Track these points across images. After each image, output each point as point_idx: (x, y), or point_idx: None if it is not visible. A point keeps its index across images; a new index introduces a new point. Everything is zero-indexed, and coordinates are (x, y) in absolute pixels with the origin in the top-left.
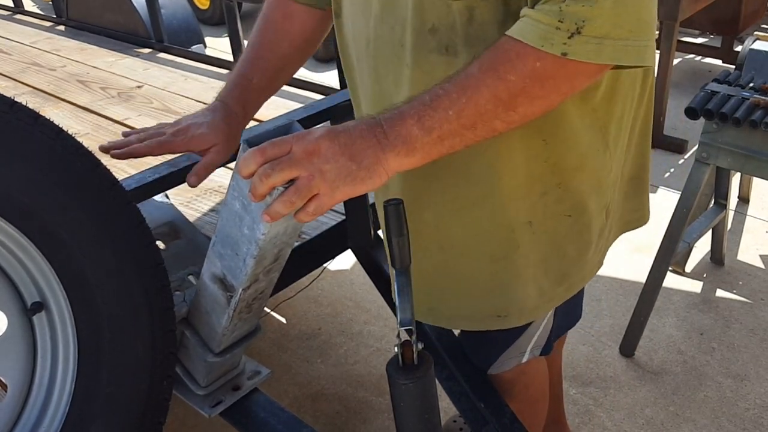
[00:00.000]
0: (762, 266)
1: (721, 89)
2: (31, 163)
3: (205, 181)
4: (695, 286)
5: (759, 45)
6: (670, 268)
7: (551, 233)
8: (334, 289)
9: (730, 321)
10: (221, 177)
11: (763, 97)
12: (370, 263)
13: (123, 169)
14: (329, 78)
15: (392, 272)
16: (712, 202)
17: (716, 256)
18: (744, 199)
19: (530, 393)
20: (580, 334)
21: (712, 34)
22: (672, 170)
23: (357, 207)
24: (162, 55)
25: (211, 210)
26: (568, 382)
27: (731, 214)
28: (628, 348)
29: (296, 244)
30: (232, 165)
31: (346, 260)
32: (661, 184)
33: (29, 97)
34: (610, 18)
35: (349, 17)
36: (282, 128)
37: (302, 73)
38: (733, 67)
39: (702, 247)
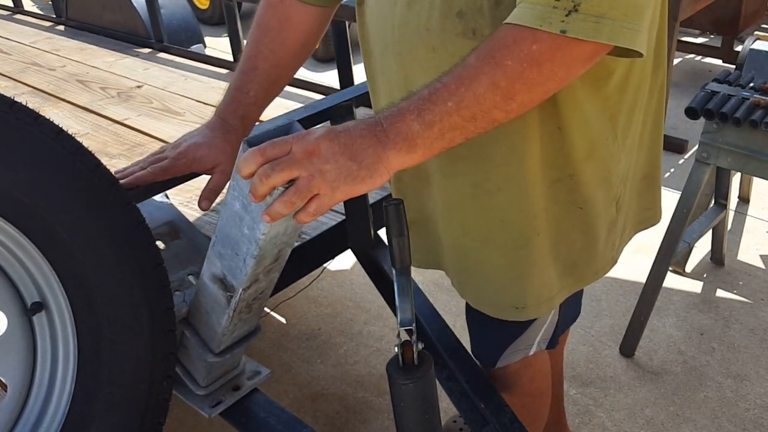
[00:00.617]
0: (762, 266)
1: (722, 89)
2: (31, 163)
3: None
4: (695, 286)
5: (759, 45)
6: (670, 268)
7: (560, 221)
8: (334, 289)
9: (731, 321)
10: None
11: (764, 97)
12: (370, 263)
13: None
14: (329, 78)
15: (393, 272)
16: (713, 202)
17: (716, 256)
18: (744, 199)
19: (535, 386)
20: (580, 334)
21: (712, 34)
22: (672, 170)
23: (357, 207)
24: (162, 55)
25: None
26: (568, 382)
27: (731, 214)
28: (628, 348)
29: (296, 244)
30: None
31: (346, 260)
32: (662, 184)
33: (29, 97)
34: None
35: (373, 5)
36: (282, 128)
37: (302, 73)
38: (734, 67)
39: (702, 247)
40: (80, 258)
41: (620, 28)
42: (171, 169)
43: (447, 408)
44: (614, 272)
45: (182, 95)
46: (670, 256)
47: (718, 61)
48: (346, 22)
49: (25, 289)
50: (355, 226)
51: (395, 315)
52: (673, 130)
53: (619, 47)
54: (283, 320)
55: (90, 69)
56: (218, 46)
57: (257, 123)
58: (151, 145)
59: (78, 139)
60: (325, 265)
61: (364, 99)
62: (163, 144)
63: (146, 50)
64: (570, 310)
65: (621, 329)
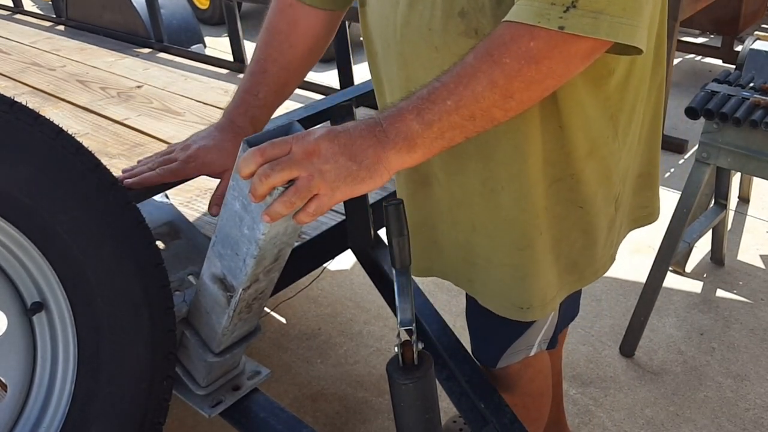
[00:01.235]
0: (762, 266)
1: (722, 89)
2: (31, 163)
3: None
4: (695, 286)
5: (759, 45)
6: (670, 268)
7: (561, 220)
8: (334, 289)
9: (730, 321)
10: None
11: (764, 97)
12: (370, 263)
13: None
14: (329, 78)
15: (393, 272)
16: (712, 202)
17: (716, 256)
18: (744, 199)
19: (535, 386)
20: (580, 334)
21: (712, 34)
22: (672, 170)
23: (357, 207)
24: (162, 55)
25: None
26: (568, 382)
27: (731, 214)
28: (628, 348)
29: (296, 244)
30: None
31: (346, 260)
32: (661, 184)
33: (29, 97)
34: None
35: (375, 5)
36: (282, 128)
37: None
38: (734, 67)
39: (702, 247)
40: (80, 258)
41: (619, 24)
42: (180, 172)
43: (447, 408)
44: (614, 272)
45: (182, 95)
46: (670, 256)
47: (718, 61)
48: (347, 23)
49: (25, 289)
50: (355, 226)
51: (395, 315)
52: (673, 130)
53: (618, 45)
54: (283, 320)
55: (90, 69)
56: (218, 46)
57: None
58: (151, 145)
59: (78, 139)
60: (325, 265)
61: (364, 99)
62: (164, 144)
63: (146, 50)
64: (569, 309)
65: (621, 329)
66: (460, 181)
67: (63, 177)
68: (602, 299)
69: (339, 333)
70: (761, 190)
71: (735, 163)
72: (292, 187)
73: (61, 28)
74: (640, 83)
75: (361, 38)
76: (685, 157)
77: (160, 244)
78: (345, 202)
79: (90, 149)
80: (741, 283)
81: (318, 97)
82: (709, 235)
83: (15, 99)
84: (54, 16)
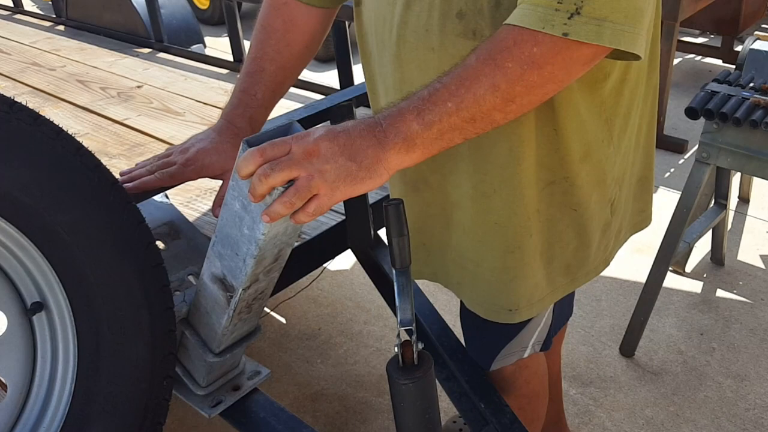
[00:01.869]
0: (762, 266)
1: (722, 89)
2: (31, 163)
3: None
4: (695, 286)
5: (759, 45)
6: (670, 268)
7: (554, 223)
8: (334, 289)
9: (730, 321)
10: None
11: (764, 97)
12: (370, 263)
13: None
14: (329, 78)
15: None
16: (712, 202)
17: (716, 256)
18: (744, 199)
19: (531, 388)
20: (580, 334)
21: (712, 34)
22: (672, 170)
23: (357, 207)
24: (162, 55)
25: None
26: (568, 382)
27: (731, 214)
28: (628, 348)
29: (296, 244)
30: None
31: (346, 260)
32: (661, 184)
33: (29, 97)
34: (609, 1)
35: (371, 5)
36: (282, 128)
37: (302, 73)
38: (734, 67)
39: (702, 247)
40: (80, 258)
41: (621, 31)
42: (179, 176)
43: (447, 408)
44: (614, 272)
45: (182, 95)
46: (670, 256)
47: (718, 61)
48: (346, 22)
49: (25, 289)
50: (355, 226)
51: (395, 315)
52: (673, 130)
53: (617, 50)
54: (283, 320)
55: (90, 69)
56: (218, 46)
57: None
58: (151, 145)
59: (78, 139)
60: (325, 265)
61: (364, 99)
62: (164, 144)
63: (146, 50)
64: (563, 310)
65: (621, 329)
66: (454, 181)
67: (63, 177)
68: (602, 299)
69: (339, 333)
70: (761, 190)
71: (735, 163)
72: (291, 187)
73: (61, 28)
74: (636, 87)
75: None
76: (685, 157)
77: (160, 244)
78: (345, 202)
79: (90, 149)
80: (741, 283)
81: (318, 97)
82: (709, 235)
83: (15, 99)
84: (54, 16)
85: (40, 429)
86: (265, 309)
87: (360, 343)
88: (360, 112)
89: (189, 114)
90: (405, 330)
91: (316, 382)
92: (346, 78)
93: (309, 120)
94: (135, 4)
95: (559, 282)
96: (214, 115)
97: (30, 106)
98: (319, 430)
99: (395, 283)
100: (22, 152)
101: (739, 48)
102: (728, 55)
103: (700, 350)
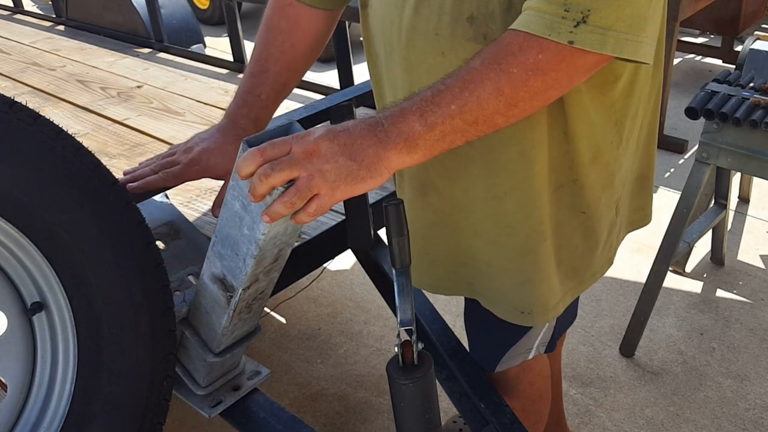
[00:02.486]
0: (762, 266)
1: (722, 89)
2: (31, 163)
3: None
4: (695, 286)
5: (759, 45)
6: (670, 268)
7: (563, 226)
8: (334, 289)
9: (730, 321)
10: None
11: (764, 97)
12: (370, 263)
13: (123, 169)
14: (329, 78)
15: (393, 272)
16: (712, 202)
17: (716, 256)
18: (744, 199)
19: (535, 390)
20: (580, 334)
21: (712, 34)
22: (672, 170)
23: (357, 207)
24: (162, 54)
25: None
26: (568, 382)
27: (731, 214)
28: (628, 348)
29: (296, 244)
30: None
31: (346, 260)
32: (661, 184)
33: (29, 97)
34: (614, 10)
35: (378, 8)
36: (282, 128)
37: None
38: (734, 67)
39: (702, 247)
40: (80, 258)
41: (624, 40)
42: (183, 176)
43: (447, 408)
44: (614, 272)
45: (182, 95)
46: (670, 256)
47: (718, 61)
48: (347, 23)
49: (25, 289)
50: (355, 226)
51: (395, 315)
52: (673, 130)
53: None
54: (283, 320)
55: (90, 69)
56: (218, 46)
57: None
58: (151, 145)
59: (78, 139)
60: (325, 265)
61: (364, 99)
62: (164, 144)
63: (146, 50)
64: (568, 313)
65: (621, 329)
66: (462, 186)
67: (63, 177)
68: (602, 299)
69: (339, 333)
70: (761, 190)
71: (735, 163)
72: (292, 187)
73: (61, 28)
74: (643, 88)
75: (362, 38)
76: (685, 157)
77: (160, 244)
78: (345, 202)
79: (90, 149)
80: (741, 283)
81: (318, 97)
82: (709, 235)
83: (15, 99)
84: (54, 16)
85: (40, 429)
86: (265, 309)
87: (360, 343)
88: (360, 112)
89: (189, 114)
90: (405, 330)
91: (316, 382)
92: (346, 78)
93: (309, 120)
94: (135, 4)
95: (568, 285)
96: (214, 115)
97: (30, 106)
98: (319, 430)
99: (395, 283)
100: (22, 152)
101: (739, 48)
102: (728, 55)
103: (700, 350)
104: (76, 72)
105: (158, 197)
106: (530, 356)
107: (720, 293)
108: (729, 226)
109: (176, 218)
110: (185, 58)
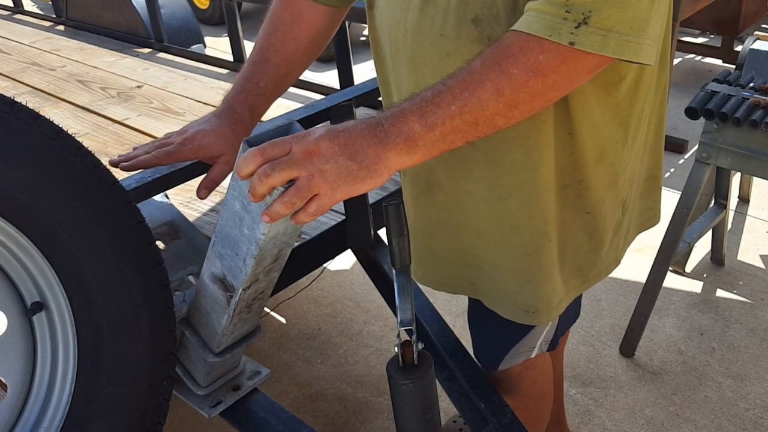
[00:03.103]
0: (762, 266)
1: (722, 89)
2: (31, 163)
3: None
4: (695, 286)
5: (759, 45)
6: (670, 268)
7: (567, 226)
8: (334, 289)
9: (730, 321)
10: None
11: (764, 97)
12: (370, 263)
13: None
14: (329, 78)
15: (393, 272)
16: (712, 202)
17: (716, 256)
18: (744, 199)
19: (537, 388)
20: (580, 334)
21: (712, 34)
22: (672, 170)
23: (357, 207)
24: (162, 54)
25: (211, 210)
26: (568, 382)
27: (731, 214)
28: (628, 348)
29: (296, 244)
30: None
31: (346, 260)
32: (662, 184)
33: (29, 97)
34: (615, 12)
35: (385, 9)
36: (282, 128)
37: (302, 73)
38: (734, 67)
39: (702, 247)
40: (80, 258)
41: (625, 42)
42: (176, 154)
43: (447, 408)
44: (614, 272)
45: (182, 95)
46: (670, 256)
47: (718, 61)
48: (347, 23)
49: (25, 289)
50: (355, 226)
51: (395, 315)
52: (673, 130)
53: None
54: (283, 320)
55: (90, 69)
56: (218, 46)
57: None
58: None
59: (78, 139)
60: (325, 265)
61: (364, 99)
62: None
63: (146, 50)
64: (570, 311)
65: (621, 329)
66: (465, 187)
67: (63, 177)
68: (602, 299)
69: (339, 333)
70: (761, 190)
71: (735, 163)
72: (292, 187)
73: (61, 28)
74: (648, 88)
75: (362, 38)
76: (685, 157)
77: (160, 244)
78: (345, 202)
79: (90, 149)
80: (741, 283)
81: (318, 97)
82: (709, 235)
83: (15, 99)
84: (54, 16)
85: (40, 429)
86: (265, 309)
87: (360, 343)
88: (360, 112)
89: (189, 114)
90: (405, 330)
91: (316, 382)
92: (346, 78)
93: (309, 120)
94: (135, 4)
95: (572, 284)
96: None
97: (30, 106)
98: (319, 430)
99: (395, 283)
100: (22, 152)
101: (739, 48)
102: (728, 55)
103: (700, 350)
104: (76, 72)
105: (158, 197)
106: (533, 354)
107: (720, 293)
108: (729, 226)
109: (176, 218)
110: (185, 58)
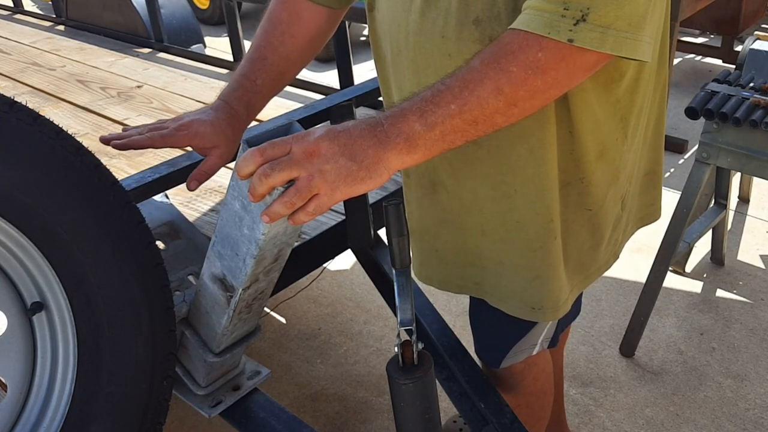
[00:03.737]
0: (762, 266)
1: (721, 89)
2: (31, 163)
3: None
4: (695, 286)
5: (759, 45)
6: (670, 268)
7: (570, 223)
8: (334, 289)
9: (730, 321)
10: (221, 177)
11: (764, 97)
12: (370, 263)
13: (123, 169)
14: (329, 78)
15: (393, 272)
16: (712, 202)
17: (716, 256)
18: (744, 199)
19: (539, 385)
20: (580, 334)
21: (712, 34)
22: (672, 170)
23: (357, 207)
24: (162, 54)
25: (211, 210)
26: (568, 382)
27: (731, 214)
28: (628, 348)
29: (296, 244)
30: (233, 164)
31: (346, 260)
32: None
33: (29, 97)
34: (613, 9)
35: (386, 11)
36: (282, 128)
37: (302, 73)
38: (734, 66)
39: (702, 247)
40: (80, 258)
41: (624, 38)
42: (170, 139)
43: (447, 408)
44: (614, 272)
45: (182, 95)
46: (670, 256)
47: (718, 61)
48: (347, 23)
49: (25, 289)
50: (355, 226)
51: (395, 315)
52: (673, 130)
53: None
54: (283, 320)
55: (90, 69)
56: (218, 46)
57: (257, 123)
58: None
59: (78, 139)
60: (325, 265)
61: (364, 99)
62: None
63: (146, 50)
64: (571, 308)
65: (621, 329)
66: (470, 186)
67: (63, 177)
68: (602, 299)
69: (339, 333)
70: (761, 190)
71: (735, 163)
72: (292, 187)
73: (61, 28)
74: (647, 84)
75: (362, 38)
76: (685, 157)
77: (160, 244)
78: (345, 202)
79: (90, 149)
80: (741, 283)
81: (318, 97)
82: (709, 235)
83: (15, 99)
84: (54, 16)
85: (40, 429)
86: (265, 309)
87: (360, 343)
88: (360, 112)
89: None
90: (405, 330)
91: (316, 382)
92: (346, 78)
93: (309, 120)
94: (135, 4)
95: (575, 280)
96: None
97: (30, 106)
98: (319, 430)
99: (395, 283)
100: (22, 152)
101: (739, 48)
102: (728, 55)
103: (700, 350)
104: (76, 72)
105: (158, 197)
106: (534, 351)
107: (720, 293)
108: (729, 226)
109: (176, 218)
110: (185, 58)
